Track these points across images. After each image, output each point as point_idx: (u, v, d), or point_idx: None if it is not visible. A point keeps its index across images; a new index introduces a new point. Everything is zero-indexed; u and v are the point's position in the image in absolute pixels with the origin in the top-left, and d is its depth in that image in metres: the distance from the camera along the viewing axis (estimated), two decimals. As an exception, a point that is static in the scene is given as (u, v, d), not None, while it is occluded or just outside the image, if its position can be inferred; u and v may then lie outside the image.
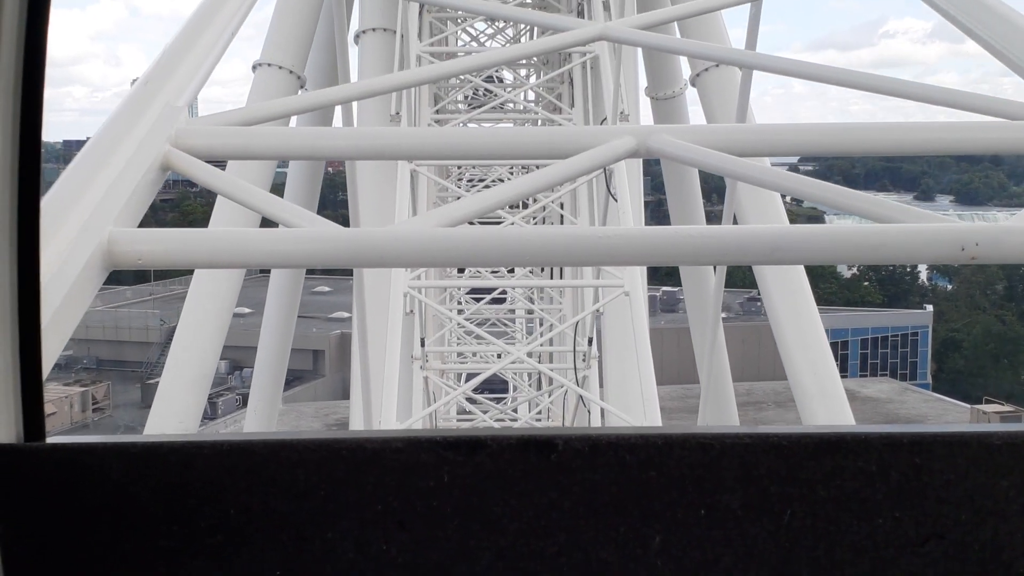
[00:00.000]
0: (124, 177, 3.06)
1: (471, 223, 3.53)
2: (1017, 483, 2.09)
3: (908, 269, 79.70)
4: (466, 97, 23.76)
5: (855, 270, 78.01)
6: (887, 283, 79.24)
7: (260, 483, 2.08)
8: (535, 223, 17.28)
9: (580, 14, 15.75)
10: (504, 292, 21.90)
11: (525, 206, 17.96)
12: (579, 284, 13.69)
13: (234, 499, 2.08)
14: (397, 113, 13.31)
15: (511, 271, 18.98)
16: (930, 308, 68.15)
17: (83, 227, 2.78)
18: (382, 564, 2.09)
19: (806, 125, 3.75)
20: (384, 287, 10.87)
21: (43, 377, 2.16)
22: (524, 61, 21.29)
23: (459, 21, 19.91)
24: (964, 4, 4.62)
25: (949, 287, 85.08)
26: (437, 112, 18.73)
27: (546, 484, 2.08)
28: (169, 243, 2.78)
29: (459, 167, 22.01)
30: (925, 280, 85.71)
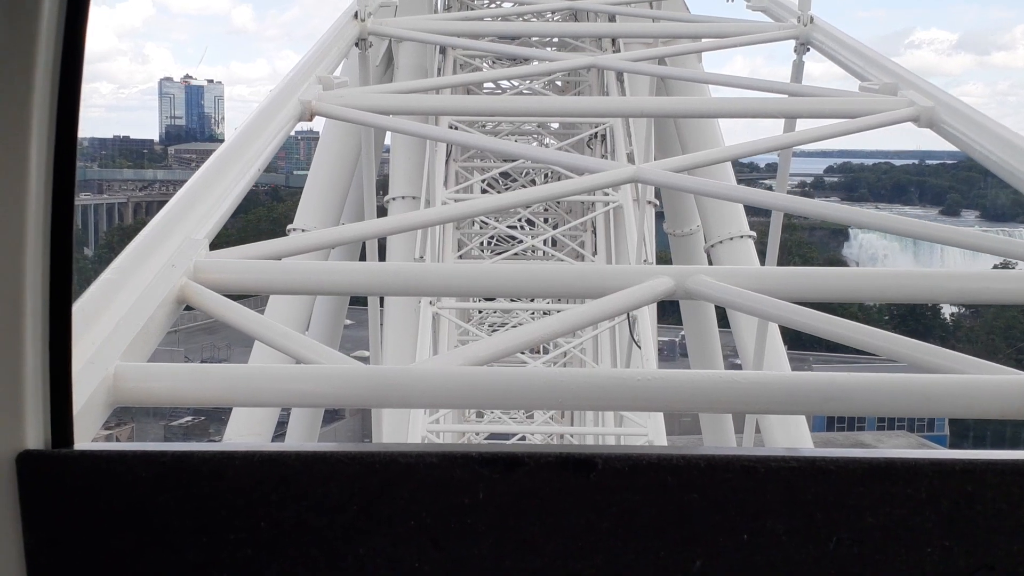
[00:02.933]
0: (137, 310, 2.94)
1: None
2: None
3: (929, 305, 78.25)
4: (490, 241, 24.02)
5: (874, 306, 76.77)
6: (908, 319, 76.76)
7: (292, 496, 2.03)
8: None
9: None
10: (524, 439, 21.47)
11: (545, 352, 17.79)
12: (601, 431, 13.36)
13: (265, 512, 2.03)
14: (421, 257, 13.39)
15: (530, 416, 18.65)
16: (950, 355, 66.81)
17: (89, 360, 2.64)
18: None
19: (842, 271, 3.72)
20: (403, 427, 10.66)
21: (72, 384, 2.12)
22: (545, 207, 21.56)
23: (484, 171, 20.30)
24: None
25: (963, 310, 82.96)
26: (460, 257, 18.86)
27: (584, 504, 2.02)
28: (176, 380, 2.62)
29: (480, 312, 22.01)
30: (948, 317, 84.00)
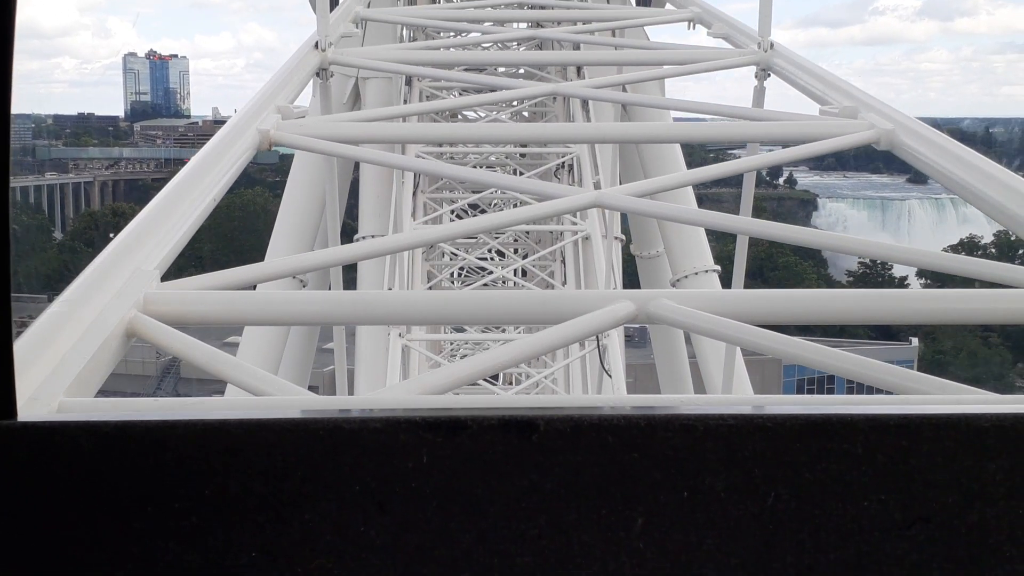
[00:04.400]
0: (83, 344, 2.85)
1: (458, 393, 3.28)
2: (1005, 466, 2.06)
3: (896, 280, 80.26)
4: (460, 272, 23.96)
5: (842, 282, 76.97)
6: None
7: (236, 464, 2.04)
8: None
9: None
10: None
11: (517, 382, 17.69)
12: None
13: (209, 480, 2.05)
14: (390, 288, 13.32)
15: None
16: (915, 343, 67.93)
17: (32, 396, 2.55)
18: (361, 546, 2.05)
19: (809, 293, 3.68)
20: None
21: (13, 354, 2.10)
22: (515, 237, 21.54)
23: (452, 202, 20.30)
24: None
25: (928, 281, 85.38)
26: (430, 288, 18.77)
27: (527, 466, 2.05)
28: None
29: (452, 344, 21.91)
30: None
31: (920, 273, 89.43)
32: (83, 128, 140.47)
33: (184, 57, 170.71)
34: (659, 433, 2.05)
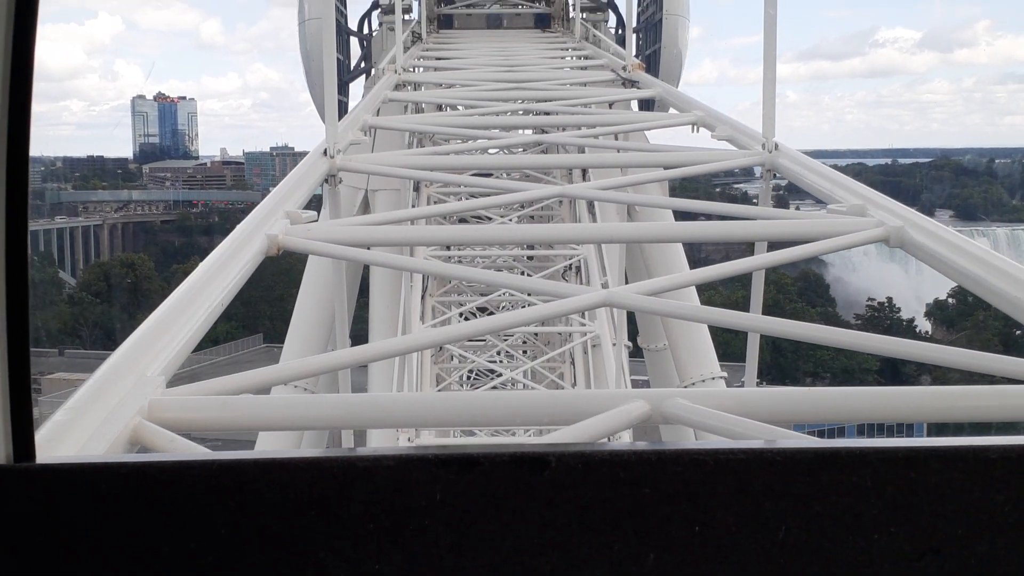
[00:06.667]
0: (85, 452, 2.78)
1: None
2: (1013, 497, 2.06)
3: (904, 323, 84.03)
4: (469, 375, 23.86)
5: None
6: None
7: (251, 502, 2.07)
8: None
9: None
10: None
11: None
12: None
13: (224, 518, 2.06)
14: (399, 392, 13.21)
15: None
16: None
17: None
18: None
19: (822, 391, 3.64)
20: None
21: (31, 398, 2.14)
22: (523, 339, 21.51)
23: (461, 304, 20.36)
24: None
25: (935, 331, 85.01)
26: (440, 392, 18.62)
27: (539, 501, 2.05)
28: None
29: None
30: (922, 334, 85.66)
31: (928, 314, 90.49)
32: (92, 171, 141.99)
33: (191, 99, 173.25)
34: (669, 468, 2.05)
